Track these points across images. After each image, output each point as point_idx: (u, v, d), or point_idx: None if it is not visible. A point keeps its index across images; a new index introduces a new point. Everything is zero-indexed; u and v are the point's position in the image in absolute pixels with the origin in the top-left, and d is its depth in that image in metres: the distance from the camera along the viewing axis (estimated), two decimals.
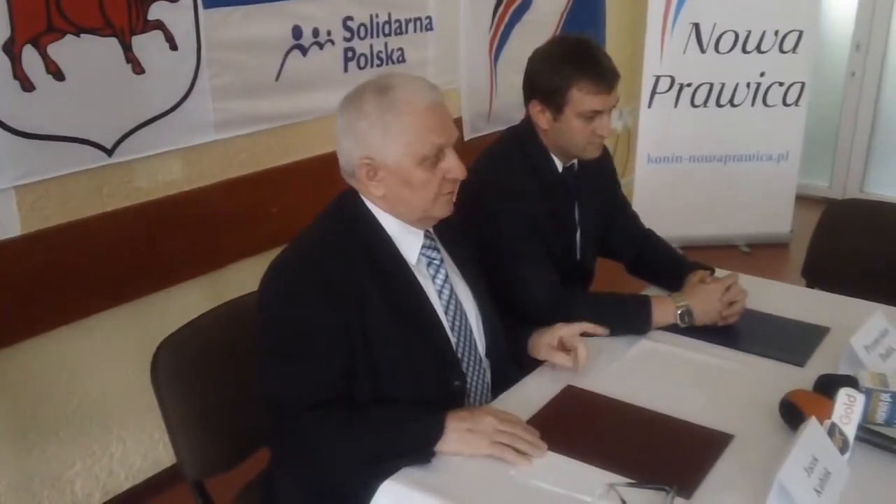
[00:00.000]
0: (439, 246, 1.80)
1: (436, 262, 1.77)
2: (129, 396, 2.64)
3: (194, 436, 1.81)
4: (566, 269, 2.26)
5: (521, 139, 2.25)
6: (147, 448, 2.76)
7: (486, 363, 1.85)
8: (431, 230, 1.78)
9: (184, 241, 2.68)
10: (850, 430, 1.50)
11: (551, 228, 2.21)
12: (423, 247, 1.74)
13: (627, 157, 5.16)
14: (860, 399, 1.53)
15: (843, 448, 1.48)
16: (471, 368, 1.79)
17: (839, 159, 5.73)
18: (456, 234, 1.89)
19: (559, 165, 2.25)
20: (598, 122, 2.12)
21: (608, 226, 2.43)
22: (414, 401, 1.66)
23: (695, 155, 4.79)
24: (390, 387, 1.65)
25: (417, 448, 1.55)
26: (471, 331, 1.80)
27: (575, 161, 2.27)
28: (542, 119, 2.17)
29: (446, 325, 1.74)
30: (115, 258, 2.51)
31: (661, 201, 4.65)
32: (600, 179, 2.39)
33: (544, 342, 1.90)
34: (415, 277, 1.72)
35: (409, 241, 1.73)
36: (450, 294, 1.77)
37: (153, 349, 1.78)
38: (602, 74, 2.09)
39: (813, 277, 2.80)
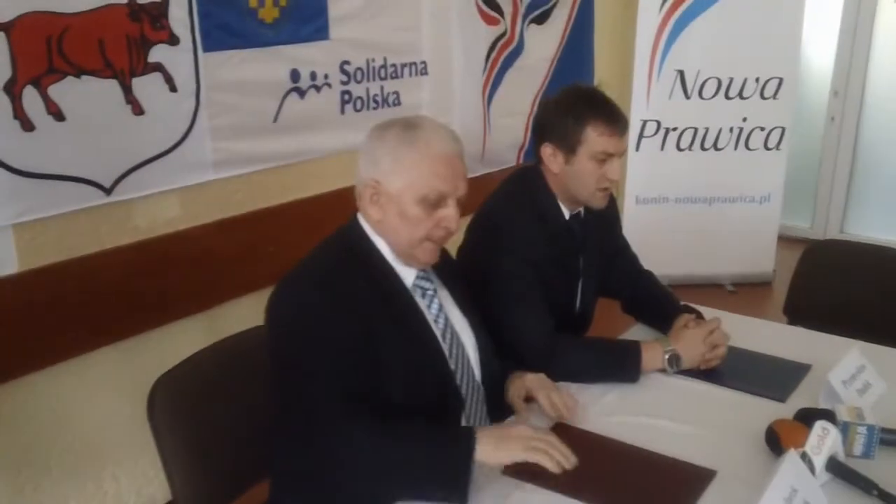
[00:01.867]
0: (432, 277, 1.86)
1: (429, 292, 1.83)
2: (124, 434, 2.65)
3: (191, 472, 1.82)
4: (565, 316, 2.30)
5: (530, 182, 2.28)
6: (141, 485, 2.76)
7: (482, 391, 1.89)
8: None
9: (181, 280, 2.71)
10: (819, 461, 1.57)
11: (553, 275, 2.24)
12: (417, 276, 1.80)
13: (617, 198, 5.20)
14: (833, 432, 1.60)
15: None
16: (467, 393, 1.84)
17: (820, 201, 5.84)
18: (454, 270, 1.95)
19: (566, 213, 2.28)
20: (609, 167, 2.16)
21: (608, 267, 2.48)
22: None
23: (681, 196, 4.88)
24: (393, 404, 1.69)
25: (456, 461, 1.55)
26: (467, 358, 1.86)
27: (581, 209, 2.31)
28: (554, 162, 2.21)
29: (444, 348, 1.80)
30: (112, 296, 2.53)
31: (649, 241, 4.58)
32: (605, 224, 2.43)
33: (514, 388, 1.95)
34: (413, 299, 1.79)
35: (403, 271, 1.79)
36: (445, 323, 1.83)
37: (149, 386, 1.79)
38: (616, 117, 2.15)
39: (794, 315, 2.86)
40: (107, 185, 2.48)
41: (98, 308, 2.51)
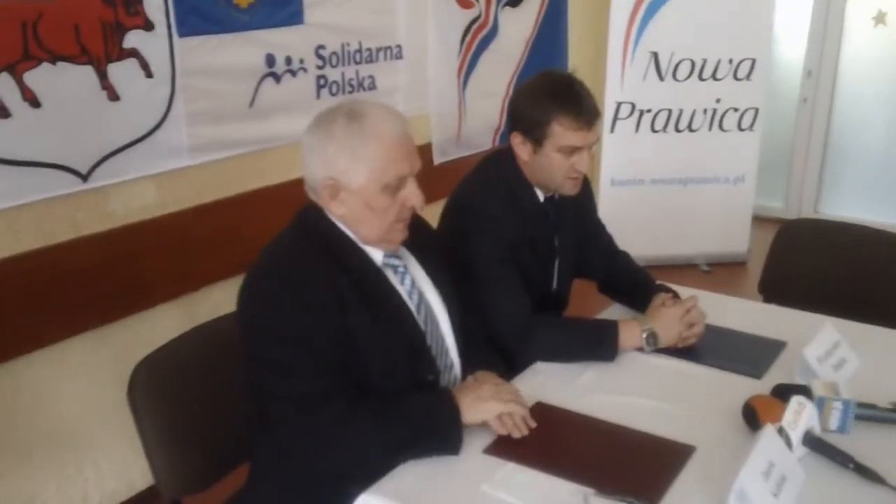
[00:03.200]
0: (402, 253, 1.86)
1: (400, 269, 1.83)
2: (104, 419, 2.65)
3: (172, 455, 1.83)
4: (542, 296, 2.31)
5: (504, 166, 2.28)
6: (122, 470, 2.76)
7: (457, 365, 1.91)
8: None
9: (158, 265, 2.71)
10: (796, 436, 1.59)
11: (529, 256, 2.25)
12: (385, 255, 1.80)
13: (592, 180, 5.24)
14: (809, 407, 1.63)
15: None
16: (443, 368, 1.85)
17: (793, 181, 5.90)
18: (424, 243, 1.94)
19: (540, 195, 2.29)
20: (577, 158, 2.16)
21: (584, 248, 2.49)
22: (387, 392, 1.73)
23: (655, 178, 4.91)
24: (367, 381, 1.71)
25: (448, 429, 1.67)
26: (441, 334, 1.87)
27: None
28: (523, 151, 2.21)
29: (419, 323, 1.81)
30: (89, 282, 2.53)
31: (624, 222, 4.64)
32: (580, 207, 2.43)
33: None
34: (385, 277, 1.79)
35: (371, 250, 1.79)
36: (419, 298, 1.84)
37: (128, 372, 1.80)
38: (583, 111, 2.12)
39: (769, 293, 2.89)
40: (83, 171, 2.47)
41: (76, 294, 2.51)
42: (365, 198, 1.71)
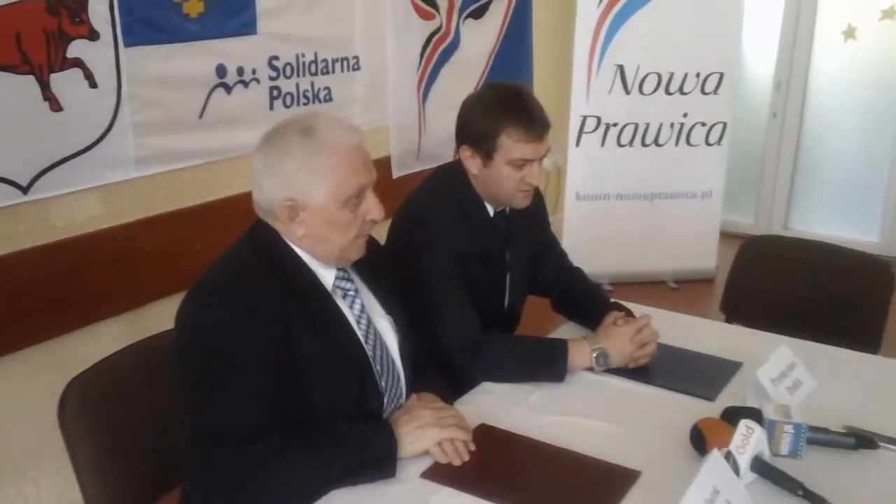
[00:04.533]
0: (353, 277, 1.81)
1: (350, 293, 1.78)
2: (45, 437, 2.54)
3: (104, 477, 1.78)
4: (493, 313, 2.27)
5: (453, 179, 2.24)
6: (63, 489, 2.68)
7: (404, 390, 1.86)
8: None
9: (103, 279, 2.63)
10: (744, 460, 1.56)
11: (480, 271, 2.21)
12: (336, 278, 1.76)
13: (558, 194, 5.24)
14: (758, 431, 1.59)
15: None
16: (388, 392, 1.80)
17: (763, 197, 5.90)
18: (375, 265, 1.89)
19: (490, 210, 2.25)
20: (528, 171, 2.12)
21: (537, 263, 2.45)
22: (332, 419, 1.68)
23: (622, 193, 4.88)
24: (310, 406, 1.66)
25: (384, 459, 1.63)
26: (392, 359, 1.82)
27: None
28: (473, 164, 2.18)
29: (367, 350, 1.76)
30: (31, 297, 2.45)
31: (590, 238, 4.72)
32: (532, 221, 2.40)
33: None
34: (334, 302, 1.74)
35: (322, 273, 1.74)
36: (368, 323, 1.78)
37: None
38: (533, 123, 2.09)
39: (731, 312, 2.86)
40: (23, 183, 2.39)
41: (17, 309, 2.43)
42: (326, 215, 1.66)
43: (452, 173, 2.25)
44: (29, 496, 2.61)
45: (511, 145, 2.10)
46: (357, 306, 1.78)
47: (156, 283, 2.77)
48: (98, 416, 1.79)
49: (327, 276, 1.74)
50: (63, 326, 2.58)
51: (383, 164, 3.77)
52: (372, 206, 1.71)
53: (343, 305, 1.76)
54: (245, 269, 1.68)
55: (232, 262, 1.72)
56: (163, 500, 1.88)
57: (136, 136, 2.65)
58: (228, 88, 2.93)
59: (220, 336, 1.60)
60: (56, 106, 2.42)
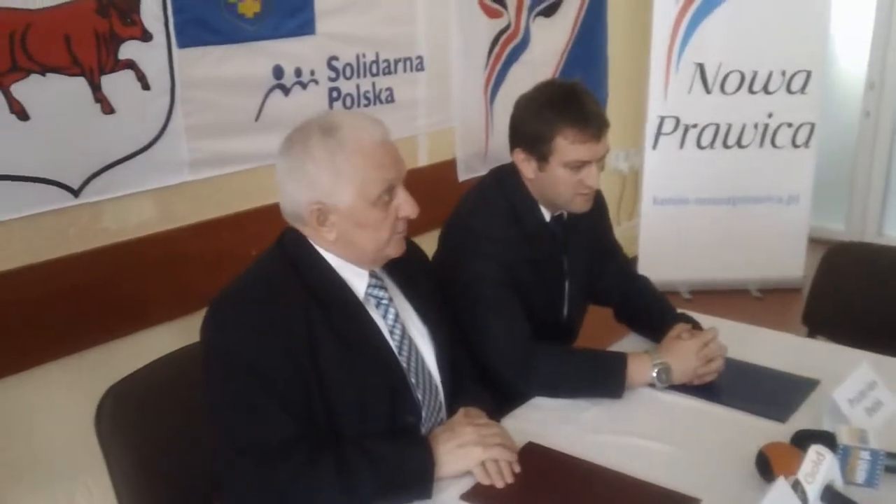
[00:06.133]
0: (387, 285, 1.73)
1: (384, 301, 1.70)
2: (97, 444, 2.56)
3: (139, 488, 1.76)
4: (550, 324, 2.17)
5: (504, 183, 2.15)
6: (115, 498, 2.67)
7: (443, 402, 1.77)
8: (378, 269, 1.71)
9: (155, 284, 2.60)
10: (814, 490, 1.42)
11: (535, 280, 2.11)
12: (369, 286, 1.67)
13: (634, 199, 5.09)
14: (829, 458, 1.45)
15: None
16: (427, 406, 1.71)
17: (855, 202, 5.62)
18: (413, 272, 1.81)
19: (546, 214, 2.14)
20: (586, 173, 2.01)
21: (598, 271, 2.33)
22: (365, 435, 1.60)
23: (702, 197, 4.70)
24: (341, 422, 1.59)
25: (419, 479, 1.54)
26: (428, 370, 1.73)
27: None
28: (528, 168, 2.08)
29: (402, 362, 1.67)
30: (82, 301, 2.43)
31: (668, 244, 4.58)
32: (593, 226, 2.28)
33: None
34: (366, 312, 1.66)
35: (354, 280, 1.66)
36: (402, 333, 1.70)
37: None
38: (588, 122, 1.98)
39: (814, 325, 2.70)
40: (75, 186, 2.38)
41: (69, 313, 2.41)
42: (356, 216, 1.59)
43: (504, 176, 2.16)
44: (80, 502, 2.58)
45: (566, 147, 1.99)
46: (391, 315, 1.70)
47: (209, 289, 2.68)
48: (133, 426, 1.77)
49: (359, 284, 1.66)
50: (114, 331, 2.55)
51: (449, 167, 3.69)
52: (404, 203, 1.63)
53: (376, 315, 1.68)
54: (269, 279, 1.63)
55: (255, 272, 1.67)
56: None
57: (189, 138, 2.62)
58: (286, 90, 2.88)
59: (241, 350, 1.54)
60: (108, 108, 2.40)
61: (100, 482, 2.58)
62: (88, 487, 2.60)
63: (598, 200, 2.23)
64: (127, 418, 1.76)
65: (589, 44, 4.35)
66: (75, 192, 2.38)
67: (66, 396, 2.50)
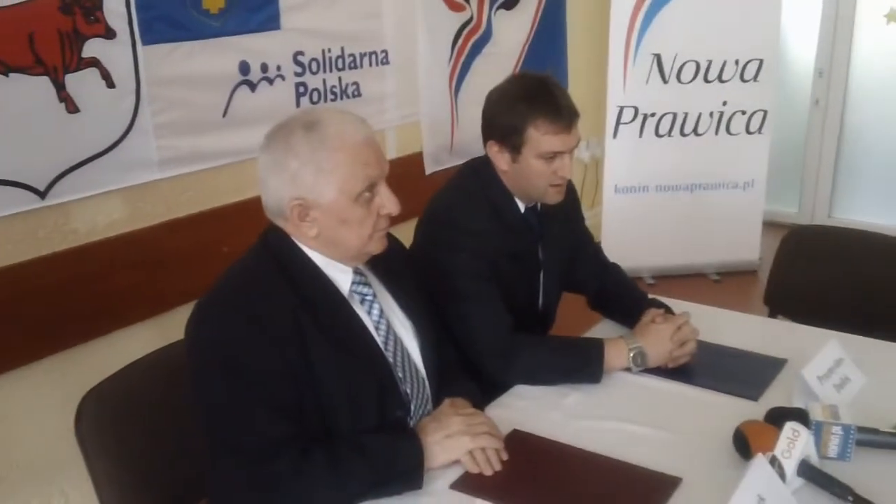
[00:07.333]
0: (371, 280, 1.74)
1: (368, 297, 1.71)
2: (74, 447, 2.53)
3: (122, 491, 1.73)
4: (527, 314, 2.20)
5: (480, 176, 2.16)
6: (92, 501, 2.64)
7: (430, 395, 1.79)
8: (361, 266, 1.72)
9: (127, 284, 2.58)
10: (790, 465, 1.47)
11: (512, 271, 2.14)
12: (353, 283, 1.69)
13: (596, 187, 5.14)
14: (804, 434, 1.50)
15: None
16: (415, 399, 1.73)
17: (807, 186, 5.75)
18: (395, 267, 1.82)
19: (521, 206, 2.17)
20: (559, 164, 2.04)
21: (571, 260, 2.37)
22: (356, 431, 1.61)
23: (661, 184, 4.77)
24: (332, 420, 1.60)
25: (410, 471, 1.56)
26: (414, 364, 1.75)
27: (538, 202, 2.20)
28: (501, 160, 2.10)
29: (388, 357, 1.69)
30: (53, 304, 2.41)
31: (629, 231, 4.64)
32: (565, 217, 2.31)
33: None
34: (352, 309, 1.67)
35: (338, 278, 1.67)
36: (387, 328, 1.72)
37: None
38: (560, 113, 2.01)
39: (775, 305, 2.76)
40: (41, 188, 2.35)
41: (40, 316, 2.39)
42: (337, 213, 1.59)
43: (479, 169, 2.17)
44: None
45: (539, 138, 2.01)
46: (376, 311, 1.71)
47: (183, 287, 2.69)
48: (114, 428, 1.74)
49: (343, 282, 1.67)
50: (89, 332, 2.54)
51: (416, 161, 3.71)
52: (386, 200, 1.63)
53: (360, 311, 1.69)
54: (255, 278, 1.63)
55: (241, 271, 1.66)
56: None
57: (157, 136, 2.60)
58: (252, 86, 2.88)
59: (230, 349, 1.54)
60: (72, 107, 2.37)
61: (76, 486, 2.58)
62: (64, 492, 2.59)
63: (570, 191, 2.26)
64: (107, 421, 1.74)
65: (550, 36, 4.39)
66: (41, 194, 2.35)
67: (40, 399, 2.48)
